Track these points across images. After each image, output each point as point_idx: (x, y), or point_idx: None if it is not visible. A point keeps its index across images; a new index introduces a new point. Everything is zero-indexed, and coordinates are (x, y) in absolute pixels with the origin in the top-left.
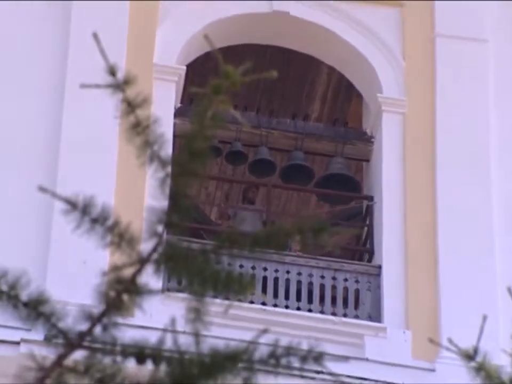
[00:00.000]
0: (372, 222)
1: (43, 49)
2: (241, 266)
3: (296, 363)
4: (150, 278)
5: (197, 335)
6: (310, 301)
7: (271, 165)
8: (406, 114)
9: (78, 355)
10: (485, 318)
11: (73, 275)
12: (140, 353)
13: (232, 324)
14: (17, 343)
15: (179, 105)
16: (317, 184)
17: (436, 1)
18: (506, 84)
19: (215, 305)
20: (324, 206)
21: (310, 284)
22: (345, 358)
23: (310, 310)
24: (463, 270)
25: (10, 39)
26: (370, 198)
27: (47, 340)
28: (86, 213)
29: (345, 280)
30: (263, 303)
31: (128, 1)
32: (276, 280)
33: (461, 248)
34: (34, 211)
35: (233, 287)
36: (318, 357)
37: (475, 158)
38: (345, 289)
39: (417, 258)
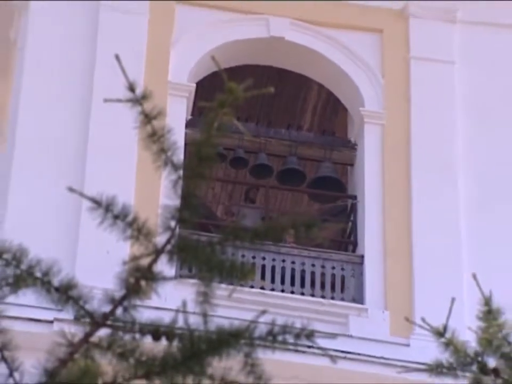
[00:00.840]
0: (355, 218)
1: (73, 67)
2: (243, 256)
3: (290, 339)
4: (164, 266)
5: (205, 315)
6: (302, 285)
7: (269, 169)
8: (384, 125)
9: (102, 333)
10: (453, 300)
11: (98, 264)
12: (156, 332)
13: (235, 306)
14: (51, 322)
15: (190, 117)
16: (308, 185)
17: (411, 28)
18: (471, 99)
19: (221, 289)
20: (314, 204)
21: (303, 271)
22: (333, 335)
23: (302, 294)
24: (434, 259)
25: (46, 59)
26: (354, 197)
27: (76, 319)
28: (109, 210)
29: (333, 268)
30: (262, 288)
31: (146, 26)
32: (273, 268)
33: (432, 241)
34: (65, 209)
35: (236, 274)
36: (309, 334)
37: (445, 164)
38: (333, 276)
39: (394, 249)
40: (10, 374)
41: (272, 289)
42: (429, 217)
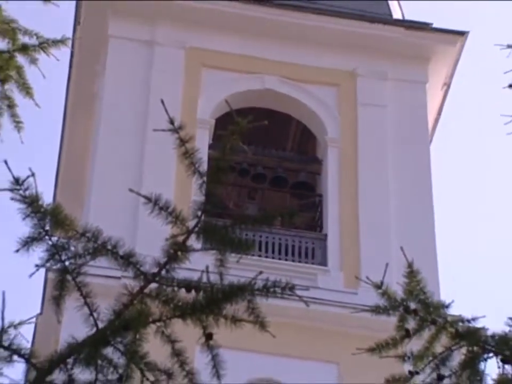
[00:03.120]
0: (321, 209)
1: (136, 108)
2: (246, 234)
3: (278, 291)
4: (194, 242)
5: (221, 274)
6: (286, 254)
7: (264, 177)
8: (341, 148)
9: (152, 286)
10: (387, 265)
11: (150, 240)
12: (188, 286)
13: (241, 268)
14: (119, 278)
15: (211, 142)
16: (290, 187)
17: (358, 84)
18: (399, 133)
19: (231, 257)
20: (294, 200)
21: (286, 245)
22: (306, 287)
23: (286, 260)
24: (371, 236)
25: (118, 103)
26: (320, 195)
27: (135, 277)
28: (156, 204)
29: (306, 242)
30: (259, 256)
31: (183, 81)
32: (267, 242)
33: (369, 224)
34: (129, 205)
35: (241, 247)
36: (291, 287)
37: (378, 171)
38: (306, 248)
39: (347, 230)
40: (90, 314)
41: (266, 257)
42: (370, 209)
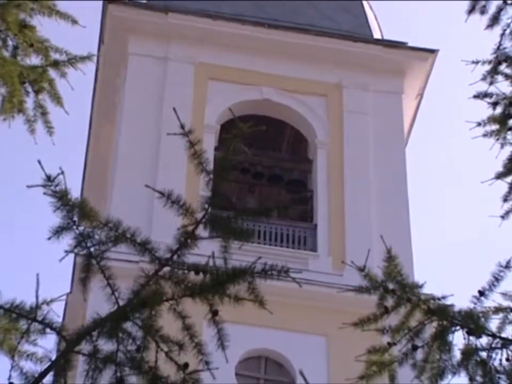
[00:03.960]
0: (312, 202)
1: (153, 114)
2: (247, 225)
3: (275, 273)
4: (201, 231)
5: (225, 259)
6: (281, 241)
7: (262, 174)
8: (329, 149)
9: (165, 270)
10: (369, 251)
11: (163, 229)
12: (196, 269)
13: (243, 254)
14: (137, 262)
15: (216, 144)
16: (285, 184)
17: (344, 94)
18: (379, 136)
19: (234, 244)
20: (289, 195)
21: (282, 233)
22: (299, 270)
23: (281, 246)
24: (356, 226)
25: (137, 106)
26: (311, 191)
27: (159, 262)
28: (169, 198)
29: (299, 231)
30: (258, 243)
31: (192, 92)
32: (265, 232)
33: (355, 217)
34: (146, 199)
35: (243, 235)
36: (286, 270)
37: (361, 170)
38: (299, 236)
39: (334, 221)
40: (112, 293)
41: (264, 244)
42: (354, 202)
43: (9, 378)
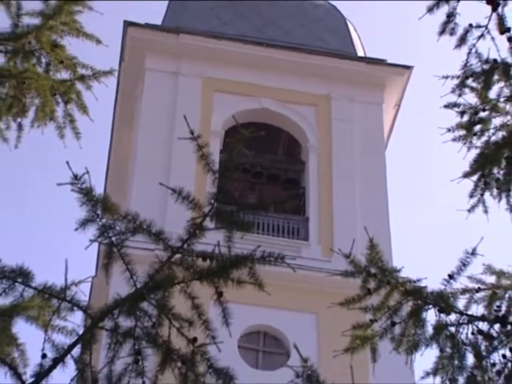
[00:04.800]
0: (304, 198)
1: (165, 121)
2: (248, 217)
3: (272, 260)
4: (208, 223)
5: (229, 248)
6: (278, 232)
7: (262, 174)
8: (319, 152)
9: (177, 256)
10: (354, 241)
11: (175, 221)
12: (204, 256)
13: (244, 242)
14: (152, 250)
15: (221, 147)
16: (282, 182)
17: (332, 104)
18: (363, 141)
19: (237, 234)
20: (284, 191)
21: (278, 225)
22: (293, 257)
23: (278, 236)
24: (343, 219)
25: (152, 115)
26: (303, 188)
27: (172, 250)
28: (180, 194)
29: (293, 223)
30: (257, 233)
31: (200, 103)
32: (263, 223)
33: (342, 211)
34: (160, 195)
35: (244, 227)
36: (282, 257)
37: (347, 169)
38: (293, 228)
39: (324, 214)
40: (131, 277)
41: (263, 234)
42: (341, 198)
43: (42, 350)
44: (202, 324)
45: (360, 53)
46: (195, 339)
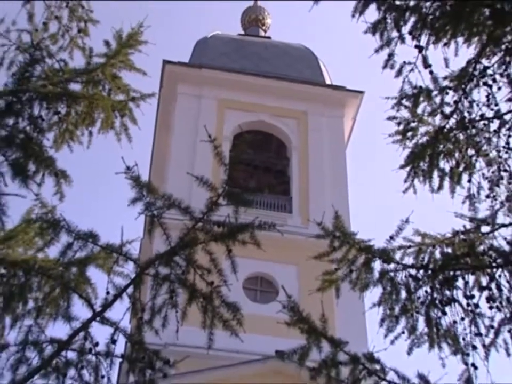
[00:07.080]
0: (290, 185)
1: (189, 128)
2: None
3: (266, 227)
4: (221, 201)
5: (236, 218)
6: (270, 207)
7: (259, 167)
8: (299, 151)
9: (199, 224)
10: (323, 213)
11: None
12: (218, 224)
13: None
14: (182, 220)
15: (230, 148)
16: (273, 174)
17: (309, 118)
18: (330, 143)
19: (242, 209)
20: (275, 180)
21: (270, 202)
22: (281, 225)
23: (270, 210)
24: (317, 198)
25: (184, 124)
26: (288, 177)
27: (190, 217)
28: (201, 180)
29: (281, 201)
30: (256, 208)
31: (216, 116)
32: (260, 201)
33: (316, 192)
34: (187, 181)
35: (247, 203)
36: (273, 225)
37: (319, 163)
38: (281, 204)
39: (302, 195)
40: (167, 239)
41: (260, 209)
42: (315, 184)
43: (106, 288)
44: (217, 272)
45: (328, 81)
46: (212, 282)
